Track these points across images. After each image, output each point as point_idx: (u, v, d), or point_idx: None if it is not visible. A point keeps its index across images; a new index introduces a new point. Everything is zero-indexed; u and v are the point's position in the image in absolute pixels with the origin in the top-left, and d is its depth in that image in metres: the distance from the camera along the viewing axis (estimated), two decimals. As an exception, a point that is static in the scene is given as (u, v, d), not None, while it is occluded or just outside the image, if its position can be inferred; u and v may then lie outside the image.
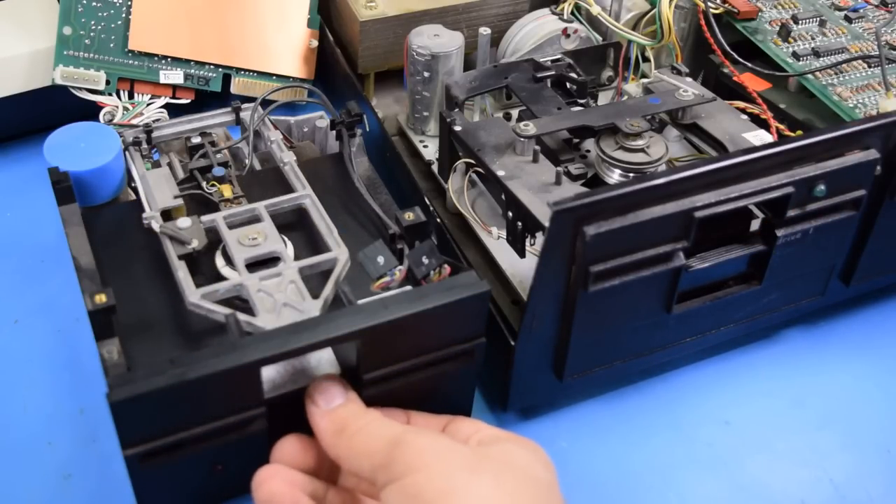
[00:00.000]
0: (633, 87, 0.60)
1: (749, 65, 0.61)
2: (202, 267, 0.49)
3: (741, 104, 0.59)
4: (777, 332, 0.56)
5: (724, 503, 0.48)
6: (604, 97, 0.65)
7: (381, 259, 0.49)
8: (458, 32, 0.61)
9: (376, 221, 0.53)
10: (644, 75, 0.64)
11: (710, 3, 0.61)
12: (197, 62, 0.67)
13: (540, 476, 0.39)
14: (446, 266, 0.48)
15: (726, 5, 0.63)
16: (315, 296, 0.46)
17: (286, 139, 0.59)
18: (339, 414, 0.41)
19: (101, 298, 0.43)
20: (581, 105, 0.58)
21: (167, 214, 0.51)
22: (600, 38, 0.65)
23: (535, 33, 0.65)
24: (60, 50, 0.64)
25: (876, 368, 0.55)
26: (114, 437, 0.39)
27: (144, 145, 0.56)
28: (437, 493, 0.36)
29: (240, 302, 0.47)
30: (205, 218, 0.50)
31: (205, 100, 0.68)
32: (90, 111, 0.64)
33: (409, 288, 0.47)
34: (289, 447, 0.43)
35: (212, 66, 0.67)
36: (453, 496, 0.36)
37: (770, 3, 0.65)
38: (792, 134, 0.58)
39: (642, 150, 0.52)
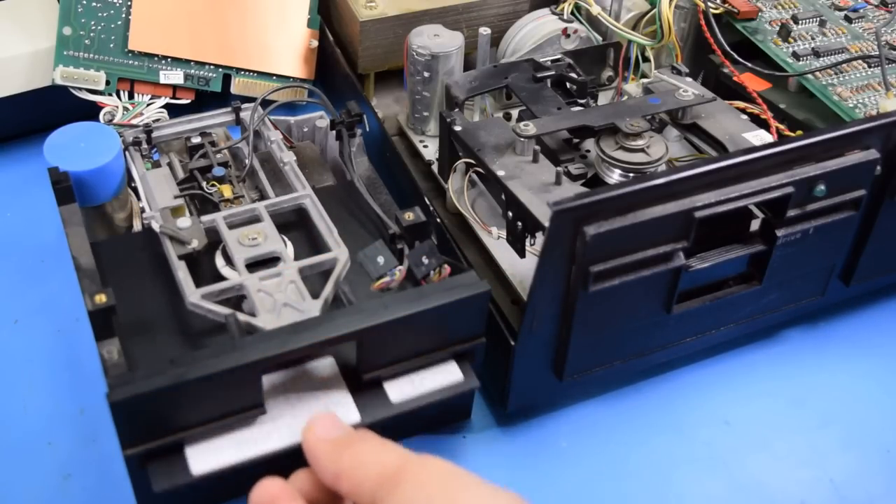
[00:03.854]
0: (633, 87, 0.60)
1: (749, 65, 0.61)
2: (202, 267, 0.49)
3: (741, 104, 0.59)
4: (777, 332, 0.56)
5: (723, 503, 0.48)
6: (604, 97, 0.65)
7: (381, 259, 0.49)
8: (458, 32, 0.61)
9: (376, 221, 0.53)
10: (644, 75, 0.64)
11: (710, 3, 0.61)
12: (197, 62, 0.67)
13: None
14: (446, 266, 0.48)
15: (726, 5, 0.63)
16: (315, 296, 0.46)
17: (286, 139, 0.59)
18: (340, 436, 0.39)
19: (101, 298, 0.43)
20: (581, 105, 0.58)
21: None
22: (600, 38, 0.65)
23: (535, 33, 0.65)
24: (60, 50, 0.64)
25: (876, 368, 0.55)
26: (114, 437, 0.39)
27: (144, 145, 0.56)
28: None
29: (239, 301, 0.47)
30: (205, 218, 0.50)
31: (205, 100, 0.68)
32: (90, 111, 0.64)
33: (409, 288, 0.47)
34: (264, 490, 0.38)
35: (212, 67, 0.67)
36: None
37: (770, 3, 0.65)
38: (792, 134, 0.58)
39: (642, 150, 0.52)
